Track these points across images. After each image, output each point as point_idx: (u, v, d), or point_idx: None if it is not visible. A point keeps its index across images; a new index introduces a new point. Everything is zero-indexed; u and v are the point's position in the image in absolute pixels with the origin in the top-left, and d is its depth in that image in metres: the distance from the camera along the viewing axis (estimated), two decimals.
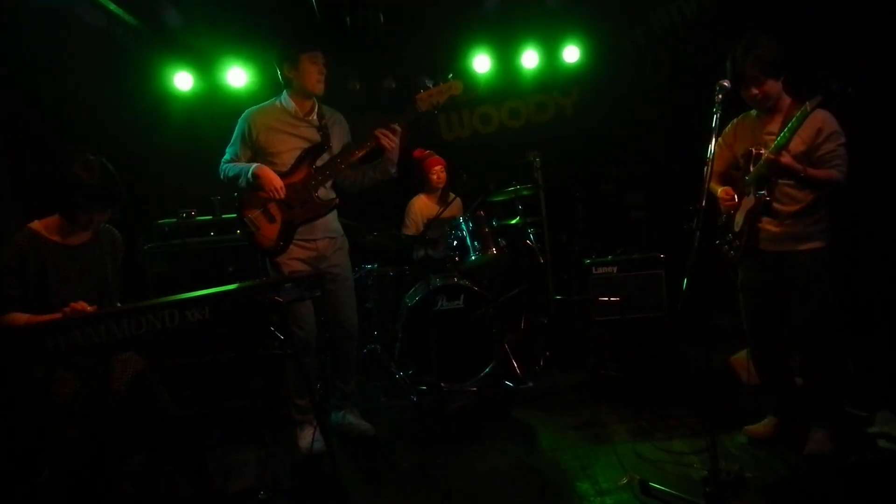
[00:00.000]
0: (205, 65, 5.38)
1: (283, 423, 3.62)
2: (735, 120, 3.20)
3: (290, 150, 3.44)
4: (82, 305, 2.43)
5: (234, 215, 4.47)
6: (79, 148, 2.66)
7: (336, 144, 3.53)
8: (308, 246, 3.47)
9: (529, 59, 5.67)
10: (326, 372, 4.04)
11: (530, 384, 4.33)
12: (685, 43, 5.24)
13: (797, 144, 2.89)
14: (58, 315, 2.40)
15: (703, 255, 2.61)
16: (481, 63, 5.60)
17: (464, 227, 4.38)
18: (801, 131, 2.86)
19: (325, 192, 3.52)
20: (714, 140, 2.66)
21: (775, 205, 2.99)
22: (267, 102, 3.54)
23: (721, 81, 2.76)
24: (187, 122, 5.41)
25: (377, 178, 3.61)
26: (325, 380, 4.15)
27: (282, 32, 3.48)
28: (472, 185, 4.51)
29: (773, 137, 2.91)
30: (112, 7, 4.53)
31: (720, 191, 3.17)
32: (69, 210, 2.58)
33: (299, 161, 3.44)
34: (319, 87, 3.44)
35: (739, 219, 3.10)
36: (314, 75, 3.39)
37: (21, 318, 2.49)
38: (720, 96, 2.72)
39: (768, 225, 3.03)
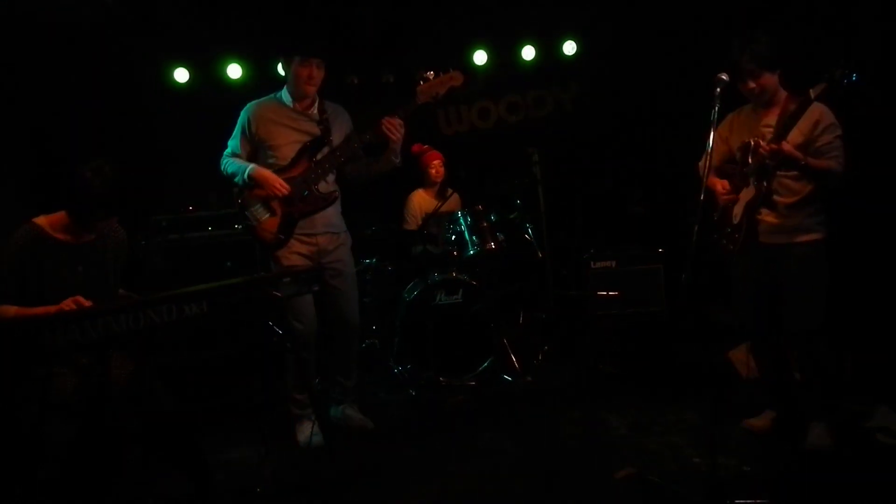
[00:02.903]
0: (201, 59, 5.36)
1: (282, 418, 3.62)
2: (730, 114, 3.19)
3: (289, 143, 3.45)
4: (80, 300, 2.42)
5: (232, 211, 4.47)
6: (80, 146, 2.65)
7: (337, 138, 3.54)
8: (308, 241, 3.47)
9: (527, 52, 5.66)
10: (325, 367, 4.04)
11: (529, 379, 4.34)
12: (684, 36, 5.23)
13: (795, 136, 2.89)
14: (50, 308, 2.38)
15: (703, 249, 2.61)
16: (479, 57, 5.59)
17: (462, 221, 4.37)
18: (799, 123, 2.86)
19: (326, 186, 3.52)
20: (713, 134, 2.66)
21: (774, 196, 2.99)
22: (268, 96, 3.56)
23: (719, 75, 2.76)
24: (184, 116, 5.39)
25: (382, 170, 3.61)
26: (324, 374, 4.15)
27: (282, 29, 3.49)
28: (470, 180, 4.51)
29: (771, 130, 2.93)
30: (108, 0, 4.51)
31: (719, 185, 3.17)
32: (76, 213, 2.58)
33: (299, 155, 3.45)
34: (308, 90, 3.46)
35: (738, 211, 3.09)
36: (302, 78, 3.41)
37: (10, 310, 2.48)
38: (718, 90, 2.72)
39: (767, 217, 3.03)
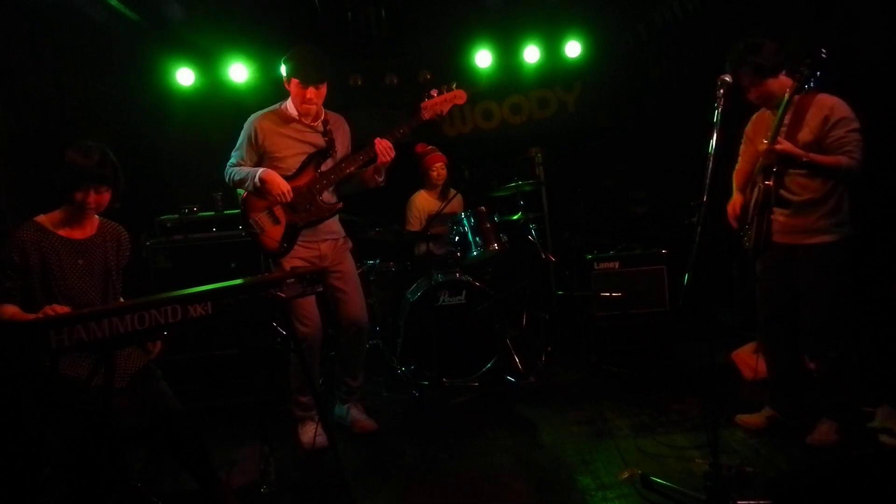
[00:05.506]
0: (206, 60, 5.38)
1: (286, 418, 3.63)
2: (754, 115, 3.18)
3: (294, 154, 3.46)
4: (56, 308, 2.41)
5: (237, 211, 4.48)
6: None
7: (340, 150, 3.56)
8: (311, 247, 3.50)
9: (531, 54, 5.66)
10: (330, 367, 4.06)
11: (532, 379, 4.34)
12: (687, 37, 5.23)
13: (805, 134, 2.87)
14: (39, 315, 2.38)
15: (705, 250, 2.61)
16: (483, 58, 5.59)
17: (465, 222, 4.38)
18: (808, 120, 2.86)
19: (329, 196, 3.55)
20: (715, 135, 2.65)
21: (784, 193, 2.97)
22: (273, 106, 3.55)
23: (722, 76, 2.75)
24: (189, 117, 5.42)
25: (362, 187, 3.64)
26: (328, 375, 4.16)
27: (287, 32, 3.49)
28: (473, 181, 4.51)
29: (785, 129, 2.90)
30: (113, 2, 4.52)
31: (729, 205, 3.17)
32: (66, 192, 2.57)
33: (304, 165, 3.47)
34: (306, 109, 3.43)
35: (750, 210, 3.09)
36: (298, 98, 3.40)
37: (8, 311, 2.50)
38: (721, 91, 2.71)
39: (780, 216, 3.01)
